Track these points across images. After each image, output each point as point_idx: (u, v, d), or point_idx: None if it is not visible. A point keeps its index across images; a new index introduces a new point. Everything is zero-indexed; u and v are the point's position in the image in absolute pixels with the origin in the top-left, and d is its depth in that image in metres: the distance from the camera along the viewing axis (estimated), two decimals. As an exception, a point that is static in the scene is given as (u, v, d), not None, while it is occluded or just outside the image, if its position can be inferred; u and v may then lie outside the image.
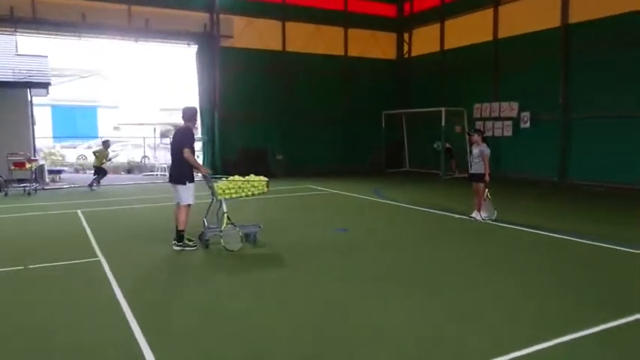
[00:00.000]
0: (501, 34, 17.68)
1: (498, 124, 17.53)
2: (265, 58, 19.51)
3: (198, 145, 18.02)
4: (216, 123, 18.35)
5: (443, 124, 18.22)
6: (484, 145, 9.77)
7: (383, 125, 21.27)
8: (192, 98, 19.00)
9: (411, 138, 21.78)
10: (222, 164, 18.16)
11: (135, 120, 41.34)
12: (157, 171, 21.80)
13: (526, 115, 16.73)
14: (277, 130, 19.87)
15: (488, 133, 17.93)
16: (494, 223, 9.42)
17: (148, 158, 25.34)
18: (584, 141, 15.30)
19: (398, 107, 21.69)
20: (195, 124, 7.90)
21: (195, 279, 6.36)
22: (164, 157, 23.09)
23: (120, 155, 23.90)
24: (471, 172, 9.96)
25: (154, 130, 25.90)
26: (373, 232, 9.16)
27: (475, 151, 9.82)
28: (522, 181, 16.19)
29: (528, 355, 3.93)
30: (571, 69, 15.56)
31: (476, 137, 9.91)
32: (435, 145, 18.95)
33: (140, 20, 17.13)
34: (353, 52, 21.33)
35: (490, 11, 17.91)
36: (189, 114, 7.75)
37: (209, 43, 18.22)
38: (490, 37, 17.98)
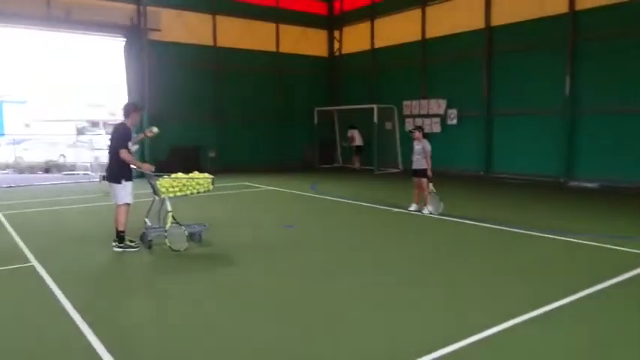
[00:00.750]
0: (429, 35, 18.38)
1: (427, 120, 18.22)
2: (196, 53, 19.01)
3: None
4: (146, 119, 17.57)
5: (375, 120, 18.67)
6: (425, 141, 10.07)
7: (316, 122, 21.43)
8: (116, 93, 18.11)
9: (344, 134, 22.11)
10: (153, 163, 17.42)
11: (48, 116, 38.72)
12: (80, 170, 20.63)
13: (453, 112, 17.55)
14: (209, 126, 19.44)
15: (418, 130, 18.64)
16: (438, 216, 9.76)
17: (65, 157, 23.94)
18: (506, 136, 16.32)
19: (330, 104, 21.96)
20: (135, 120, 7.52)
21: (144, 281, 6.15)
22: (88, 156, 21.86)
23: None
24: (413, 167, 10.20)
25: (76, 127, 24.46)
26: (320, 227, 9.24)
27: (417, 147, 10.09)
28: (451, 176, 16.92)
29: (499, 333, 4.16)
30: (493, 68, 16.51)
31: (417, 134, 10.18)
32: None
33: (60, 10, 16.04)
34: (285, 48, 21.29)
35: (418, 12, 18.56)
36: (126, 109, 7.46)
37: (137, 36, 17.42)
38: (419, 37, 18.63)
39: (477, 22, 16.66)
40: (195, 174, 7.85)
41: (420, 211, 10.08)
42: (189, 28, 18.75)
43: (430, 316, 4.72)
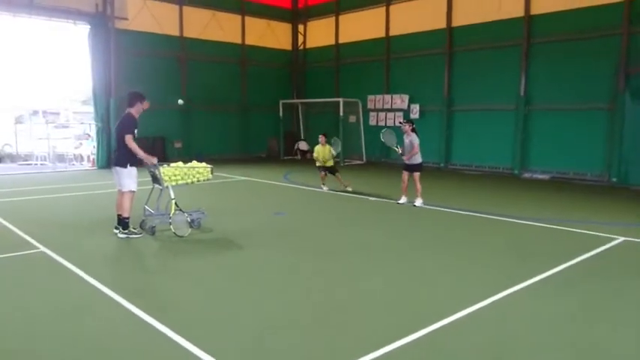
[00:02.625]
0: (392, 32, 19.17)
1: (390, 114, 19.08)
2: (162, 43, 18.93)
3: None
4: (112, 110, 17.40)
5: (341, 114, 19.29)
6: (413, 135, 10.21)
7: (281, 114, 21.82)
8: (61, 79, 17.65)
9: (309, 126, 22.66)
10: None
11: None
12: (36, 160, 19.99)
13: (415, 107, 18.45)
14: (175, 117, 19.42)
15: (382, 123, 19.45)
16: (400, 203, 10.55)
17: (11, 146, 23.12)
18: (463, 130, 17.37)
19: (295, 97, 22.42)
20: (139, 109, 7.69)
21: (164, 262, 6.44)
22: (47, 145, 21.16)
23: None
24: (406, 162, 10.29)
25: (30, 114, 23.60)
26: (307, 214, 9.75)
27: (406, 141, 10.27)
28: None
29: (487, 306, 4.86)
30: (454, 67, 17.50)
31: (407, 127, 10.29)
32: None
33: (23, -6, 15.63)
34: (250, 40, 21.52)
35: (382, 9, 19.31)
36: (131, 98, 7.63)
37: (102, 23, 17.15)
38: (382, 34, 19.39)
39: (439, 22, 17.57)
40: (195, 163, 8.20)
41: (413, 203, 10.18)
42: (155, 18, 18.62)
43: (431, 288, 5.38)
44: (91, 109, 18.44)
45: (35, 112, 40.17)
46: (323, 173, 12.35)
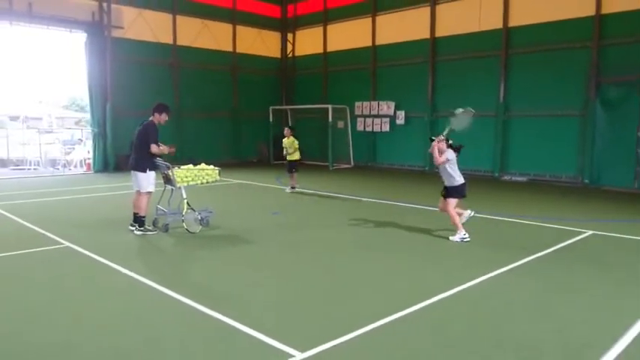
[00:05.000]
0: (379, 42, 20.07)
1: (377, 120, 19.92)
2: (156, 51, 19.50)
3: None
4: (109, 115, 17.92)
5: (330, 120, 20.08)
6: (445, 153, 8.15)
7: (271, 120, 22.54)
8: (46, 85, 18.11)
9: (298, 132, 23.32)
10: (115, 159, 17.87)
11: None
12: (30, 165, 20.33)
13: (401, 113, 19.34)
14: (168, 122, 19.92)
15: (369, 129, 20.28)
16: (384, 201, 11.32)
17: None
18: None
19: (284, 103, 23.19)
20: (162, 119, 8.44)
21: (187, 254, 7.10)
22: (38, 150, 21.51)
23: None
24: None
25: (26, 119, 23.88)
26: (301, 213, 10.47)
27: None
28: (398, 171, 18.73)
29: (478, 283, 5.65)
30: (437, 75, 18.42)
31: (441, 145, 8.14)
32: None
33: (23, 3, 16.09)
34: (241, 48, 22.22)
35: (369, 20, 20.20)
36: (158, 108, 8.37)
37: (99, 32, 17.69)
38: (369, 44, 20.27)
39: (423, 33, 18.49)
40: (203, 166, 8.89)
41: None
42: (150, 27, 19.20)
43: (421, 273, 6.17)
44: (73, 114, 18.93)
45: (15, 118, 40.10)
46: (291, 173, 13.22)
